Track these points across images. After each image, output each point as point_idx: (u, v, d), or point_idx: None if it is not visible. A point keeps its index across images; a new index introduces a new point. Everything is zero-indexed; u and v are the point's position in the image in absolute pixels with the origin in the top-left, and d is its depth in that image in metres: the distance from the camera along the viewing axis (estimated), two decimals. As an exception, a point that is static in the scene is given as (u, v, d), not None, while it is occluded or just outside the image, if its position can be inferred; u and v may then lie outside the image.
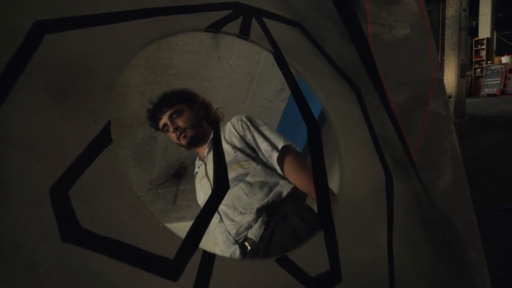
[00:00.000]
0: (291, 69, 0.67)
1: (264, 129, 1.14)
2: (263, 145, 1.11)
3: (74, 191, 0.39)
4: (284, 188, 1.04)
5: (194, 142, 1.18)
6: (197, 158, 1.27)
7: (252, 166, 1.08)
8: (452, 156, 1.58)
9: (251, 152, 1.11)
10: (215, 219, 1.07)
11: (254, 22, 0.68)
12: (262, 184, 1.04)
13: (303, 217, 0.99)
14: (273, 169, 1.09)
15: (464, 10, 6.24)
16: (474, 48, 15.42)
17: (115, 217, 0.41)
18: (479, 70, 15.08)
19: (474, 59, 15.47)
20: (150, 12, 0.57)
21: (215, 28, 0.63)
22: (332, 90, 0.72)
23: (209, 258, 0.43)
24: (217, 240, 1.09)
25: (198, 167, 1.24)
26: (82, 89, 0.46)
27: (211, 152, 1.15)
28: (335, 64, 0.75)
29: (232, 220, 1.04)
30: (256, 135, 1.12)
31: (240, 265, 0.55)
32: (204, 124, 1.20)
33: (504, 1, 15.71)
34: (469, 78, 15.56)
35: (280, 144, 1.09)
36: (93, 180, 0.41)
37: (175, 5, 0.59)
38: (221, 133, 1.15)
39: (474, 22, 15.94)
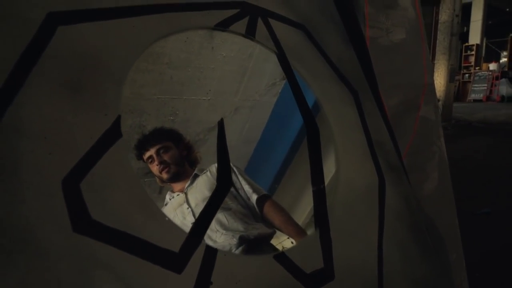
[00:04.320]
0: (294, 71, 0.68)
1: (247, 177, 1.27)
2: (246, 187, 1.24)
3: (85, 183, 0.40)
4: (262, 230, 1.16)
5: (174, 178, 1.29)
6: (169, 192, 1.36)
7: (234, 203, 1.20)
8: (439, 160, 1.63)
9: (234, 191, 1.23)
10: None
11: (260, 22, 0.69)
12: (243, 221, 1.16)
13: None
14: (252, 212, 1.22)
15: (457, 15, 6.33)
16: (463, 54, 15.67)
17: (123, 209, 0.42)
18: (467, 75, 15.35)
19: (463, 64, 15.74)
20: (161, 8, 0.57)
21: (222, 26, 0.64)
22: (332, 93, 0.74)
23: (212, 252, 0.45)
24: None
25: (170, 199, 1.33)
26: (93, 82, 0.47)
27: (193, 184, 1.27)
28: (336, 67, 0.77)
29: (215, 241, 1.13)
30: (240, 178, 1.25)
31: (241, 260, 0.57)
32: (186, 164, 1.32)
33: (495, 9, 15.98)
34: (457, 82, 15.84)
35: (261, 191, 1.24)
36: (104, 172, 0.42)
37: (184, 2, 0.60)
38: (207, 171, 1.28)
39: (465, 28, 16.17)
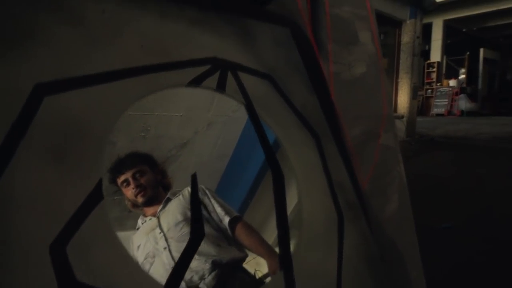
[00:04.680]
0: (261, 120, 0.75)
1: (219, 198, 1.31)
2: (218, 209, 1.28)
3: (70, 246, 0.45)
4: (234, 254, 1.20)
5: (149, 202, 1.31)
6: (141, 216, 1.38)
7: (207, 226, 1.22)
8: (399, 184, 1.75)
9: (206, 214, 1.27)
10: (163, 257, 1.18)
11: (229, 75, 0.76)
12: (215, 244, 1.19)
13: (252, 277, 1.18)
14: (225, 235, 1.26)
15: (418, 37, 6.73)
16: (426, 70, 16.54)
17: (106, 268, 0.46)
18: (429, 91, 16.18)
19: (425, 81, 16.59)
20: (138, 71, 0.63)
21: (196, 82, 0.70)
22: (295, 138, 0.82)
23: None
24: (156, 268, 1.19)
25: (142, 223, 1.35)
26: (77, 148, 0.51)
27: (166, 208, 1.30)
28: (299, 113, 0.85)
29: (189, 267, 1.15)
30: (212, 200, 1.29)
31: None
32: (160, 188, 1.35)
33: (453, 29, 17.02)
34: (421, 98, 16.66)
35: (232, 213, 1.28)
36: (87, 235, 0.46)
37: (160, 63, 0.66)
38: (180, 195, 1.31)
39: (427, 46, 17.12)
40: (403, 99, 6.82)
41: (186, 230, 1.22)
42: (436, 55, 16.55)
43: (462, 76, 17.65)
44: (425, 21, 13.49)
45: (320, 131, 0.87)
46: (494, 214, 3.11)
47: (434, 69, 16.23)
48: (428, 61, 16.74)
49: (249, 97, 0.76)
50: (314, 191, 0.78)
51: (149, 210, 1.36)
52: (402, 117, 6.78)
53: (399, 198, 1.74)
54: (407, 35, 6.66)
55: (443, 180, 4.18)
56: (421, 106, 16.43)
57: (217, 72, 0.74)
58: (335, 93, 1.38)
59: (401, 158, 1.79)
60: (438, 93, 15.71)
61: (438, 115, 15.38)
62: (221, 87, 0.73)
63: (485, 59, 16.94)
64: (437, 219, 3.02)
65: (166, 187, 1.39)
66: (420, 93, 16.77)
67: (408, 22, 6.59)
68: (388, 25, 6.67)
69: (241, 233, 1.26)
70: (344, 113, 1.37)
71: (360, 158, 1.42)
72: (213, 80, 0.73)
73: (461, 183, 4.07)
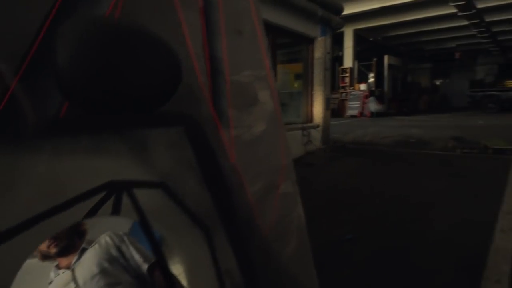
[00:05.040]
0: (155, 231, 0.88)
1: (138, 244, 1.30)
2: (136, 256, 1.26)
3: None
4: None
5: (63, 252, 1.26)
6: (53, 268, 1.32)
7: (125, 276, 1.22)
8: (297, 224, 2.00)
9: (124, 262, 1.25)
10: None
11: (125, 195, 0.86)
12: None
13: None
14: (144, 282, 1.25)
15: (328, 53, 7.35)
16: (340, 75, 17.96)
17: None
18: (344, 94, 17.59)
19: (340, 84, 18.00)
20: (34, 221, 0.70)
21: (91, 213, 0.79)
22: (187, 238, 0.95)
23: None
24: None
25: (55, 276, 1.29)
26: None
27: (81, 259, 1.24)
28: (191, 212, 0.99)
29: None
30: (131, 247, 1.28)
31: None
32: (74, 236, 1.29)
33: (362, 38, 18.70)
34: (337, 100, 18.02)
35: (151, 259, 1.27)
36: None
37: (55, 205, 0.74)
38: (96, 244, 1.27)
39: (340, 53, 18.58)
40: (318, 110, 7.38)
41: (102, 283, 1.18)
42: (348, 61, 18.01)
43: (371, 80, 19.50)
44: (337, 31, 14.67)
45: (211, 224, 1.02)
46: (389, 221, 3.52)
47: (347, 74, 17.66)
48: (342, 67, 18.17)
49: (143, 212, 0.88)
50: (203, 284, 0.92)
51: (63, 261, 1.28)
52: (318, 126, 7.34)
53: (297, 237, 1.99)
54: (319, 51, 7.22)
55: (350, 190, 4.59)
56: (337, 108, 17.79)
57: (113, 196, 0.84)
58: (236, 156, 1.55)
59: (300, 199, 2.04)
60: (351, 96, 17.15)
61: (352, 116, 16.81)
62: (116, 210, 0.84)
63: (389, 64, 18.92)
64: (343, 229, 3.18)
65: (82, 234, 1.32)
66: (336, 95, 18.14)
67: (319, 39, 7.14)
68: (302, 42, 7.15)
69: (160, 280, 1.23)
70: (245, 172, 1.55)
71: (261, 210, 1.62)
72: (109, 204, 0.83)
73: (365, 190, 4.51)
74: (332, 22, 7.05)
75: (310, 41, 7.10)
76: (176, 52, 1.11)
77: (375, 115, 16.37)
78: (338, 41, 17.47)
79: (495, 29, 17.18)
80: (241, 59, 1.88)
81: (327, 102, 7.47)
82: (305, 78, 7.34)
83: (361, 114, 16.70)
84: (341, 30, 17.31)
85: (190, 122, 1.12)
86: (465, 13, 13.49)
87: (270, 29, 5.92)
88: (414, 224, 3.29)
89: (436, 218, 3.43)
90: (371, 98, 16.69)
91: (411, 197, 4.12)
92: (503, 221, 3.26)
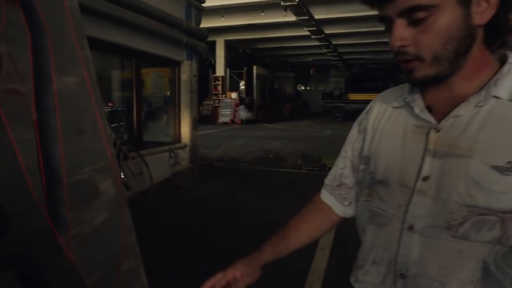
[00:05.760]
0: None
1: None
2: None
3: None
4: None
5: None
6: None
7: None
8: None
9: None
10: None
11: None
12: None
13: None
14: None
15: (194, 76, 7.67)
16: (213, 83, 18.62)
17: None
18: (217, 101, 18.32)
19: (213, 92, 18.67)
20: None
21: None
22: None
23: None
24: None
25: None
26: None
27: None
28: None
29: None
30: None
31: None
32: None
33: (233, 47, 19.73)
34: (210, 107, 18.64)
35: None
36: None
37: None
38: None
39: (213, 60, 19.25)
40: (185, 130, 7.65)
41: None
42: (220, 69, 18.78)
43: (242, 87, 20.74)
44: (210, 39, 15.21)
45: None
46: (243, 248, 3.95)
47: (219, 82, 18.42)
48: (215, 75, 18.84)
49: None
50: None
51: None
52: (185, 146, 7.61)
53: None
54: (185, 74, 7.48)
55: (212, 214, 4.85)
56: (210, 115, 18.41)
57: None
58: (76, 252, 1.69)
59: (143, 270, 2.27)
60: (223, 104, 17.98)
61: (224, 123, 17.65)
62: None
63: (257, 74, 20.47)
64: (201, 260, 3.37)
65: None
66: (209, 102, 18.71)
67: (185, 63, 7.41)
68: (169, 65, 7.30)
69: None
70: (84, 266, 1.71)
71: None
72: None
73: (226, 215, 4.76)
74: (197, 47, 7.39)
75: (177, 64, 7.30)
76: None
77: (245, 122, 17.53)
78: (212, 49, 18.08)
79: (340, 50, 20.41)
80: (81, 158, 2.01)
81: (194, 123, 7.80)
82: (173, 99, 7.52)
83: (232, 121, 17.69)
84: (214, 39, 17.91)
85: (22, 265, 1.22)
86: (316, 37, 15.66)
87: (134, 54, 5.91)
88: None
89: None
90: (242, 106, 17.82)
91: (264, 218, 4.58)
92: (323, 238, 3.94)
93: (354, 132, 0.96)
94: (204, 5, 7.75)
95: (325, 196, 1.02)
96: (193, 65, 7.56)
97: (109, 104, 6.82)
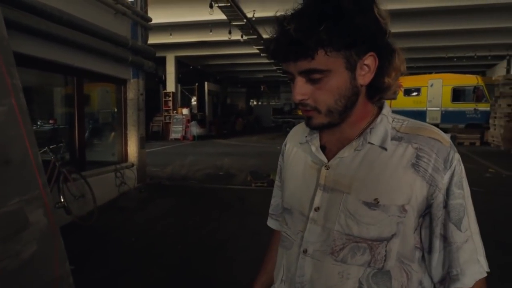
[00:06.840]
0: None
1: None
2: None
3: None
4: None
5: None
6: None
7: None
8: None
9: None
10: None
11: None
12: None
13: None
14: None
15: (142, 94, 7.57)
16: (163, 99, 18.36)
17: None
18: (168, 117, 18.05)
19: (164, 108, 18.38)
20: None
21: None
22: None
23: None
24: None
25: None
26: None
27: None
28: None
29: None
30: None
31: None
32: None
33: (184, 63, 19.69)
34: (161, 123, 18.31)
35: None
36: None
37: None
38: None
39: (163, 76, 19.03)
40: (132, 149, 7.47)
41: None
42: (171, 85, 18.60)
43: (194, 103, 20.64)
44: (160, 55, 15.05)
45: None
46: (190, 269, 3.72)
47: (170, 98, 18.20)
48: (165, 91, 18.60)
49: None
50: None
51: None
52: (133, 165, 7.42)
53: None
54: (132, 92, 7.36)
55: (158, 235, 4.68)
56: (161, 131, 18.07)
57: None
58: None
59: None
60: (175, 120, 17.76)
61: (176, 139, 17.39)
62: None
63: (209, 90, 20.52)
64: (143, 284, 3.33)
65: None
66: (160, 118, 18.38)
67: (132, 81, 7.29)
68: (115, 83, 7.14)
69: None
70: None
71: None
72: None
73: (172, 236, 4.67)
74: (144, 65, 7.33)
75: (123, 82, 7.17)
76: None
77: (197, 138, 17.41)
78: (162, 64, 17.86)
79: (289, 67, 21.10)
80: (8, 189, 1.96)
81: (142, 142, 7.65)
82: (119, 118, 7.33)
83: (184, 137, 17.50)
84: (164, 55, 17.76)
85: None
86: (265, 55, 16.12)
87: (76, 72, 5.73)
88: (210, 269, 3.68)
89: (230, 259, 3.91)
90: (193, 122, 17.70)
91: (211, 237, 4.59)
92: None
93: (280, 162, 1.09)
94: (151, 22, 7.73)
95: (273, 224, 1.17)
96: (139, 83, 7.46)
97: (51, 122, 6.51)
